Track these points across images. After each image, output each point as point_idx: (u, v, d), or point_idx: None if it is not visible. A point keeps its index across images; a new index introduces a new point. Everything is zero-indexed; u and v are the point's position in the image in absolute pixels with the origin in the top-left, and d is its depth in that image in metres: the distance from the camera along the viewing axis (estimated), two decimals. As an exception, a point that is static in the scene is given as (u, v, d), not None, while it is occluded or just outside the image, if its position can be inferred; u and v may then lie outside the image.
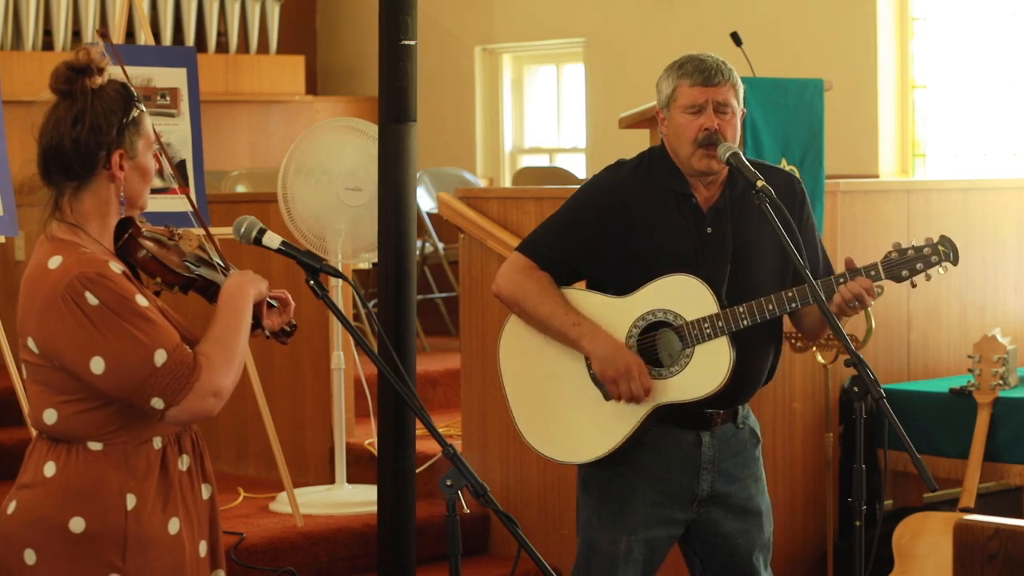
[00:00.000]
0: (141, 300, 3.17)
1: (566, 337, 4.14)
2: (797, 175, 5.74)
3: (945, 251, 4.07)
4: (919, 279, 4.09)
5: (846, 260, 4.08)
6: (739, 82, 4.15)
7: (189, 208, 6.06)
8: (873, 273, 4.04)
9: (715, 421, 4.19)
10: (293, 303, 3.55)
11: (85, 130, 3.20)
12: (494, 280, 4.27)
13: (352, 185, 6.27)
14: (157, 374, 3.14)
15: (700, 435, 4.19)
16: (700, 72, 4.08)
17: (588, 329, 4.12)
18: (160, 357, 3.14)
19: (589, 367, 4.15)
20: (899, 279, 4.08)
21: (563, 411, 4.19)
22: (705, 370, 4.06)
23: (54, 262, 3.18)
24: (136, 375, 3.14)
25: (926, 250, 4.06)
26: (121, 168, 3.24)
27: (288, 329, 3.60)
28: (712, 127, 4.07)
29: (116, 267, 3.20)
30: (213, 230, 6.06)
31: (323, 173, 6.31)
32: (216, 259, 3.47)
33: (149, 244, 3.33)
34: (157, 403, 3.16)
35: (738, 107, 4.14)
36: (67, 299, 3.14)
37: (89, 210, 3.25)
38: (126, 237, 3.31)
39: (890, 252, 4.08)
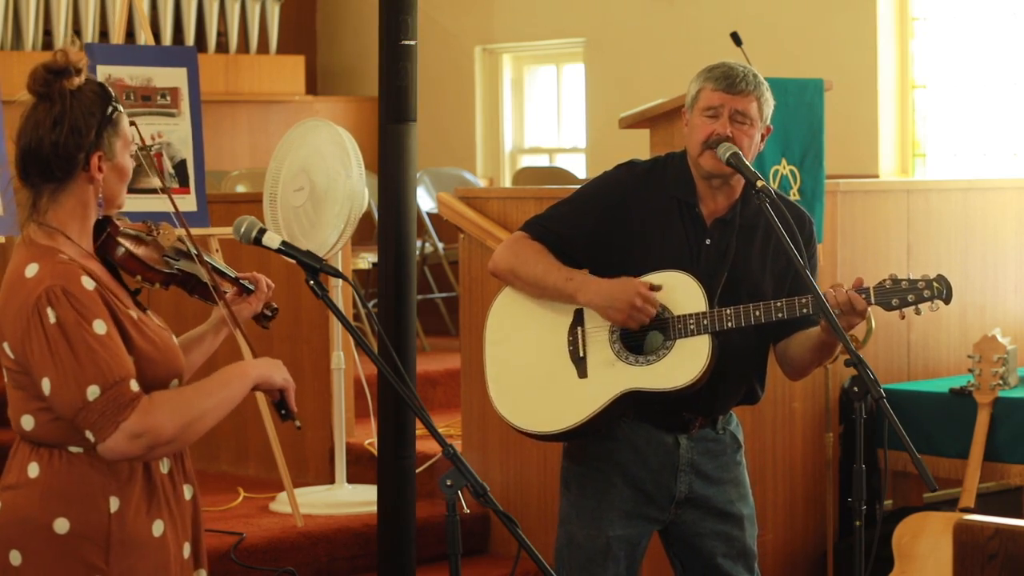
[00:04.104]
0: (98, 327, 3.13)
1: (562, 292, 4.16)
2: (797, 175, 5.75)
3: (939, 288, 4.05)
4: (908, 312, 4.08)
5: (856, 280, 4.07)
6: (766, 96, 4.13)
7: (193, 207, 6.12)
8: (864, 296, 4.03)
9: (692, 425, 4.20)
10: (265, 284, 3.55)
11: (64, 133, 3.18)
12: (491, 258, 4.28)
13: (296, 186, 6.20)
14: (88, 408, 3.10)
15: (678, 438, 4.20)
16: (726, 78, 4.09)
17: (582, 281, 4.13)
18: (92, 392, 3.10)
19: (569, 344, 4.17)
20: (888, 307, 4.07)
21: (535, 382, 4.22)
22: (681, 363, 4.07)
23: (31, 270, 3.16)
24: (71, 405, 3.11)
25: (920, 284, 4.05)
26: (100, 170, 3.22)
27: (268, 313, 3.59)
28: (724, 133, 4.07)
29: (88, 283, 3.15)
30: (213, 230, 6.13)
31: (285, 179, 6.24)
32: (196, 252, 3.46)
33: (127, 242, 3.32)
34: (89, 436, 3.13)
35: (760, 121, 4.13)
36: (34, 312, 3.12)
37: (68, 212, 3.23)
38: (104, 237, 3.30)
39: (884, 280, 4.07)
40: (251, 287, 3.55)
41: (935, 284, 4.06)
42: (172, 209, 3.58)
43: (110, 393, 3.10)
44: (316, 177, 6.09)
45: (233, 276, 3.55)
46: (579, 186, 4.42)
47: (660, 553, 4.39)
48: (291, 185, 6.17)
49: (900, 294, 4.05)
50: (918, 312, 4.07)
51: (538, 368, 4.22)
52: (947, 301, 4.06)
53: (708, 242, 4.15)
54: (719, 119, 4.09)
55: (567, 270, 4.16)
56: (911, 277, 4.07)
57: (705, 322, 4.06)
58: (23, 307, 3.13)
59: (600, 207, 4.20)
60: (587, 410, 4.13)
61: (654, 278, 4.11)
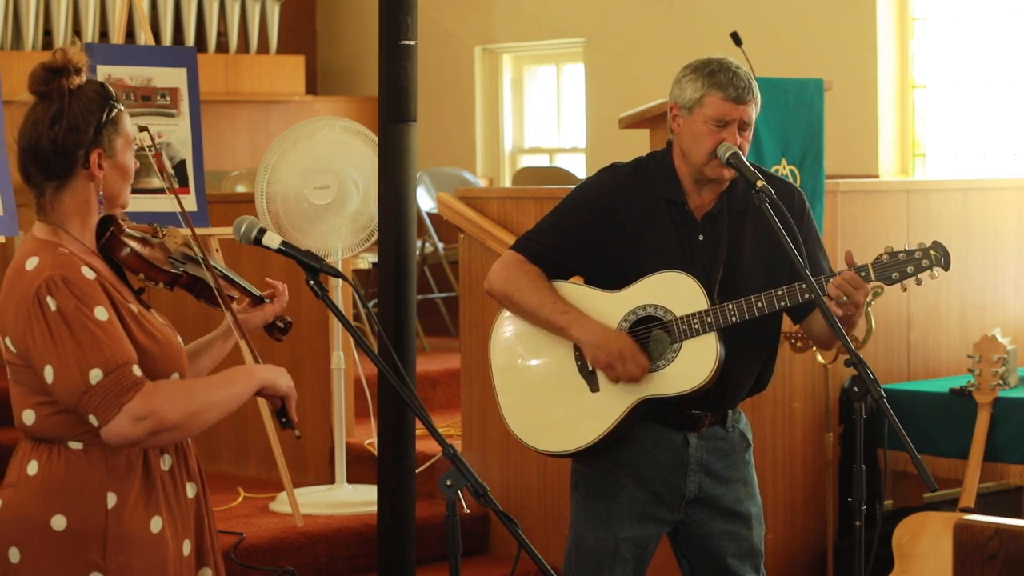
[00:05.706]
0: (100, 313, 3.16)
1: (554, 326, 4.14)
2: (797, 175, 5.75)
3: (937, 256, 4.04)
4: (910, 283, 4.07)
5: (846, 254, 4.07)
6: (759, 97, 4.14)
7: (193, 207, 6.11)
8: (863, 274, 4.02)
9: (703, 423, 4.19)
10: (282, 293, 3.56)
11: (63, 130, 3.22)
12: (486, 278, 4.28)
13: (319, 183, 6.19)
14: (91, 392, 3.13)
15: (688, 436, 4.19)
16: (734, 87, 4.04)
17: (576, 317, 4.12)
18: (95, 376, 3.13)
19: (577, 359, 4.16)
20: (889, 282, 4.06)
21: (549, 402, 4.20)
22: (691, 365, 4.06)
23: (31, 263, 3.19)
24: (75, 390, 3.14)
25: (917, 254, 4.04)
26: (100, 167, 3.25)
27: (281, 326, 3.59)
28: (735, 144, 4.05)
29: (89, 272, 3.19)
30: (213, 230, 6.13)
31: (294, 173, 6.23)
32: (201, 256, 3.47)
33: (131, 241, 3.34)
34: (93, 420, 3.15)
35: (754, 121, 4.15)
36: (34, 303, 3.15)
37: (70, 209, 3.26)
38: (108, 235, 3.32)
39: (881, 255, 4.07)
40: (260, 295, 3.55)
41: (932, 252, 4.04)
42: (176, 209, 3.59)
43: (113, 376, 3.13)
44: (348, 182, 6.10)
45: (243, 284, 3.55)
46: (571, 189, 4.39)
47: (663, 553, 4.39)
48: (310, 181, 6.17)
49: (899, 267, 4.05)
50: (919, 282, 4.06)
51: (549, 387, 4.20)
52: (946, 268, 4.06)
53: (701, 238, 4.14)
54: (727, 129, 4.06)
55: (562, 303, 4.15)
56: (907, 248, 4.06)
57: (709, 320, 4.05)
58: (23, 299, 3.16)
59: (589, 214, 4.17)
60: (605, 424, 4.12)
61: (652, 280, 4.10)
